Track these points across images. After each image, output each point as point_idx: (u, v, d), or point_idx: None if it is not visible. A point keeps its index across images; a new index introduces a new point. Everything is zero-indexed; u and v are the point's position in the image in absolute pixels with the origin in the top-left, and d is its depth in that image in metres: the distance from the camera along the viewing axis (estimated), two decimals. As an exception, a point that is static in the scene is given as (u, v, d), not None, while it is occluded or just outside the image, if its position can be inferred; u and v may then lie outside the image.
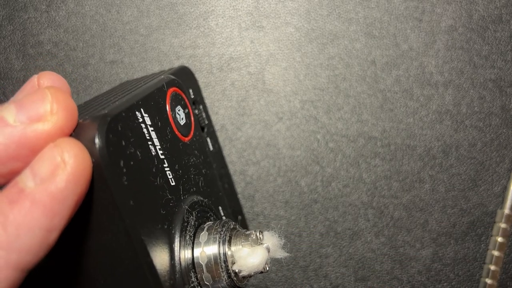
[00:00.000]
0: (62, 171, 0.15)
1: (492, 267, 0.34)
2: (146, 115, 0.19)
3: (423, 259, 0.35)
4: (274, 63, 0.36)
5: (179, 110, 0.22)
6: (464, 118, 0.36)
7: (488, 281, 0.34)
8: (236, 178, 0.35)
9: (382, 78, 0.36)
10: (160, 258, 0.18)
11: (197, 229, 0.20)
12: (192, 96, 0.26)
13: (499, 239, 0.34)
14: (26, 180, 0.15)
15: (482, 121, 0.35)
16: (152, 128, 0.20)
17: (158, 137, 0.20)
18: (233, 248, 0.20)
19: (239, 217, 0.32)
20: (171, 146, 0.21)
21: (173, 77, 0.23)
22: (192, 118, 0.23)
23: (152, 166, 0.19)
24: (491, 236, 0.35)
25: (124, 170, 0.17)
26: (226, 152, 0.35)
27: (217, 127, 0.35)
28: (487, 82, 0.36)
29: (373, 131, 0.35)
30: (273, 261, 0.33)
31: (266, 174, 0.35)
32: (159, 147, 0.20)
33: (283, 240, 0.20)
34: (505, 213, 0.34)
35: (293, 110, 0.36)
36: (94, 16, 0.36)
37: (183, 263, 0.19)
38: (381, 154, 0.35)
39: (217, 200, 0.24)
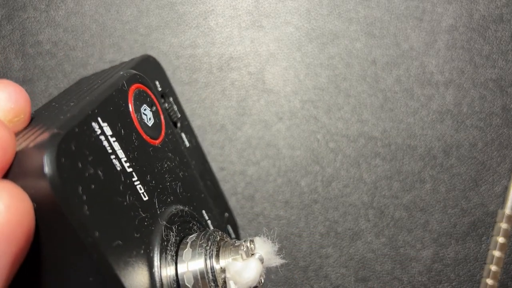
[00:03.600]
0: None
1: (493, 268, 0.34)
2: (105, 124, 0.16)
3: (424, 259, 0.34)
4: (274, 63, 0.36)
5: (145, 110, 0.19)
6: (464, 118, 0.35)
7: (489, 281, 0.34)
8: (236, 178, 0.35)
9: (382, 77, 0.36)
10: None
11: (180, 246, 0.18)
12: (160, 89, 0.23)
13: (500, 239, 0.34)
14: None
15: (483, 121, 0.35)
16: (114, 139, 0.17)
17: (122, 148, 0.17)
18: (222, 262, 0.18)
19: (226, 214, 0.29)
20: (140, 155, 0.18)
21: (134, 71, 0.20)
22: (162, 116, 0.20)
23: (118, 184, 0.16)
24: (492, 236, 0.35)
25: (84, 197, 0.14)
26: (226, 152, 0.35)
27: (217, 127, 0.35)
28: (488, 82, 0.36)
29: (374, 131, 0.35)
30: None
31: (266, 174, 0.35)
32: (125, 159, 0.17)
33: (277, 245, 0.18)
34: (506, 213, 0.34)
35: (293, 110, 0.35)
36: (94, 16, 0.36)
37: None
38: (382, 154, 0.35)
39: (199, 204, 0.22)
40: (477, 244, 0.35)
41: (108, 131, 0.17)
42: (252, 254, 0.18)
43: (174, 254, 0.18)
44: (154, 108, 0.20)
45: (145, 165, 0.18)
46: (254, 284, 0.17)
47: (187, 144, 0.24)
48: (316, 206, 0.35)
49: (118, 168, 0.17)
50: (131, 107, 0.18)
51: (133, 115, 0.18)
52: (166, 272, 0.17)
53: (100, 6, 0.36)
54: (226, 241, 0.19)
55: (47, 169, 0.13)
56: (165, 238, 0.17)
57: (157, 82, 0.23)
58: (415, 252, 0.34)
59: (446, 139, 0.35)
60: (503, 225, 0.34)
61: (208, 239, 0.18)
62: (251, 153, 0.35)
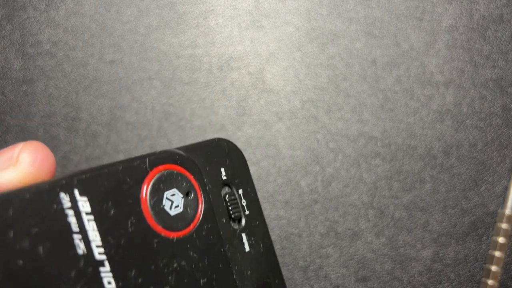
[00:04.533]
0: None
1: (493, 268, 0.34)
2: (83, 198, 0.15)
3: (424, 259, 0.34)
4: (274, 63, 0.36)
5: (172, 195, 0.17)
6: (465, 118, 0.35)
7: (489, 281, 0.34)
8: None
9: (382, 77, 0.36)
10: None
11: None
12: (225, 178, 0.20)
13: (500, 239, 0.34)
14: None
15: (483, 121, 0.35)
16: (90, 217, 0.15)
17: (101, 230, 0.15)
18: None
19: None
20: (131, 244, 0.16)
21: (174, 150, 0.18)
22: (201, 207, 0.18)
23: (69, 269, 0.14)
24: (492, 236, 0.35)
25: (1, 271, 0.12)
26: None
27: (217, 127, 0.35)
28: (488, 82, 0.36)
29: (374, 131, 0.35)
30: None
31: (266, 174, 0.35)
32: (98, 244, 0.15)
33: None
34: (506, 214, 0.34)
35: (293, 110, 0.35)
36: (94, 16, 0.36)
37: None
38: (382, 154, 0.35)
39: None
40: (477, 244, 0.35)
41: (84, 207, 0.15)
42: None
43: None
44: (191, 196, 0.18)
45: (135, 257, 0.16)
46: None
47: (247, 248, 0.20)
48: (316, 206, 0.35)
49: (80, 252, 0.14)
50: (144, 189, 0.16)
51: (143, 197, 0.16)
52: None
53: (100, 6, 0.36)
54: None
55: None
56: None
57: (222, 169, 0.20)
58: (415, 252, 0.34)
59: (446, 139, 0.35)
60: (503, 225, 0.34)
61: None
62: (251, 153, 0.35)
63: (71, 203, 0.14)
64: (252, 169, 0.35)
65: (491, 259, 0.34)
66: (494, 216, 0.35)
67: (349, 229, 0.35)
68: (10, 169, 0.15)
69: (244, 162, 0.21)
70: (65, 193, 0.14)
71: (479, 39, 0.36)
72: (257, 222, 0.21)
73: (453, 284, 0.34)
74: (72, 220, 0.14)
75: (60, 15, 0.36)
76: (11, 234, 0.13)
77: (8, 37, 0.36)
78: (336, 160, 0.35)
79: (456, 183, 0.35)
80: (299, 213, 0.35)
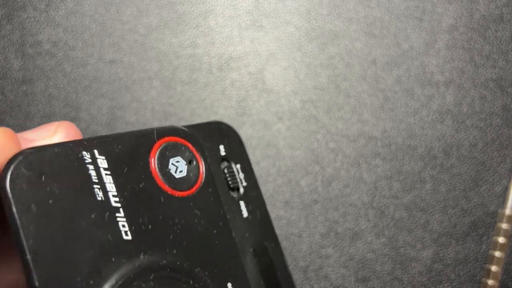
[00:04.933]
0: None
1: (493, 268, 0.34)
2: (102, 157, 0.18)
3: (424, 259, 0.34)
4: (274, 63, 0.36)
5: (177, 162, 0.20)
6: (465, 118, 0.35)
7: (489, 281, 0.34)
8: (236, 178, 0.35)
9: (382, 77, 0.36)
10: None
11: None
12: (223, 154, 0.23)
13: (500, 239, 0.34)
14: None
15: (483, 121, 0.35)
16: (108, 172, 0.18)
17: (116, 183, 0.18)
18: None
19: None
20: (141, 197, 0.19)
21: (179, 127, 0.21)
22: (202, 173, 0.21)
23: (91, 211, 0.17)
24: (492, 236, 0.35)
25: (33, 206, 0.15)
26: (226, 152, 0.35)
27: (217, 127, 0.35)
28: (488, 82, 0.36)
29: (374, 131, 0.35)
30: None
31: (266, 174, 0.35)
32: (114, 194, 0.18)
33: None
34: (506, 214, 0.34)
35: (293, 110, 0.35)
36: (93, 16, 0.36)
37: None
38: (382, 154, 0.35)
39: (225, 274, 0.21)
40: (477, 244, 0.35)
41: (102, 164, 0.18)
42: None
43: None
44: (193, 164, 0.21)
45: (146, 208, 0.19)
46: None
47: (245, 214, 0.23)
48: (316, 206, 0.35)
49: (99, 198, 0.17)
50: (152, 154, 0.20)
51: (152, 161, 0.20)
52: None
53: (100, 6, 0.36)
54: None
55: (5, 168, 0.16)
56: (120, 283, 0.17)
57: (221, 147, 0.23)
58: (415, 252, 0.34)
59: (447, 139, 0.35)
60: (503, 225, 0.34)
61: None
62: (251, 153, 0.35)
63: (92, 160, 0.17)
64: (252, 169, 0.35)
65: (491, 259, 0.34)
66: (494, 216, 0.35)
67: (349, 229, 0.35)
68: (47, 139, 0.19)
69: (241, 142, 0.24)
70: (87, 152, 0.17)
71: (479, 39, 0.36)
72: (254, 193, 0.23)
73: (453, 284, 0.34)
74: (92, 173, 0.17)
75: (60, 15, 0.36)
76: (43, 179, 0.16)
77: (8, 37, 0.36)
78: (336, 160, 0.35)
79: (456, 183, 0.35)
80: (299, 213, 0.35)
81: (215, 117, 0.35)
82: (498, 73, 0.36)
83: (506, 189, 0.35)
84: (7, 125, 0.35)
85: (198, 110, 0.35)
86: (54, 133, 0.19)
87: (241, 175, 0.23)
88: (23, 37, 0.36)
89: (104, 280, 0.16)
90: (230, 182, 0.22)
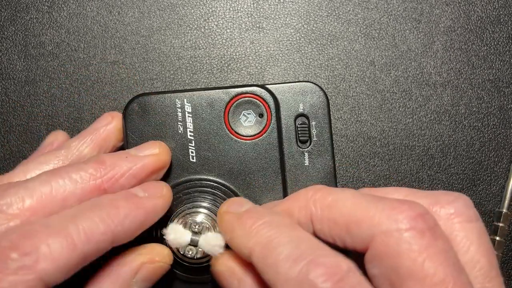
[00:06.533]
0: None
1: (490, 266, 0.34)
2: (189, 104, 0.26)
3: (422, 258, 0.35)
4: (274, 64, 0.36)
5: (248, 113, 0.26)
6: (462, 118, 0.36)
7: (486, 280, 0.34)
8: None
9: (381, 78, 0.36)
10: None
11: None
12: (301, 110, 0.27)
13: (497, 238, 0.34)
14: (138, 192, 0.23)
15: (480, 121, 0.36)
16: (190, 115, 0.26)
17: (194, 123, 0.26)
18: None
19: None
20: (211, 135, 0.26)
21: (259, 88, 0.26)
22: (268, 126, 0.26)
23: (173, 138, 0.25)
24: (489, 235, 0.35)
25: (141, 125, 0.25)
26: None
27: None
28: (485, 83, 0.36)
29: (372, 131, 0.36)
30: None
31: (266, 174, 0.35)
32: (191, 130, 0.26)
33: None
34: (503, 213, 0.35)
35: (292, 111, 0.36)
36: (96, 17, 0.36)
37: None
38: (380, 154, 0.36)
39: (263, 199, 0.26)
40: (474, 243, 0.35)
41: (188, 108, 0.26)
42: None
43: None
44: (263, 117, 0.26)
45: (211, 143, 0.26)
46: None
47: (306, 163, 0.27)
48: (315, 205, 0.35)
49: (179, 131, 0.26)
50: (226, 106, 0.26)
51: (226, 110, 0.26)
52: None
53: (102, 8, 0.36)
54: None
55: (129, 103, 0.26)
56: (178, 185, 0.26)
57: (300, 104, 0.27)
58: (413, 250, 0.35)
59: (444, 139, 0.36)
60: (500, 224, 0.35)
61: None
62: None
63: (180, 105, 0.26)
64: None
65: (488, 258, 0.34)
66: (491, 215, 0.35)
67: (348, 228, 0.35)
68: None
69: (325, 103, 0.27)
70: (179, 99, 0.26)
71: (477, 41, 0.36)
72: (322, 148, 0.27)
73: (450, 282, 0.35)
74: (179, 114, 0.26)
75: (62, 16, 0.36)
76: (147, 114, 0.26)
77: (11, 38, 0.36)
78: (335, 160, 0.36)
79: (453, 182, 0.35)
80: (299, 212, 0.35)
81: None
82: (495, 74, 0.36)
83: (503, 189, 0.35)
84: (10, 125, 0.35)
85: (199, 111, 0.36)
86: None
87: (314, 131, 0.27)
88: (26, 38, 0.36)
89: (172, 180, 0.25)
90: (299, 135, 0.27)
